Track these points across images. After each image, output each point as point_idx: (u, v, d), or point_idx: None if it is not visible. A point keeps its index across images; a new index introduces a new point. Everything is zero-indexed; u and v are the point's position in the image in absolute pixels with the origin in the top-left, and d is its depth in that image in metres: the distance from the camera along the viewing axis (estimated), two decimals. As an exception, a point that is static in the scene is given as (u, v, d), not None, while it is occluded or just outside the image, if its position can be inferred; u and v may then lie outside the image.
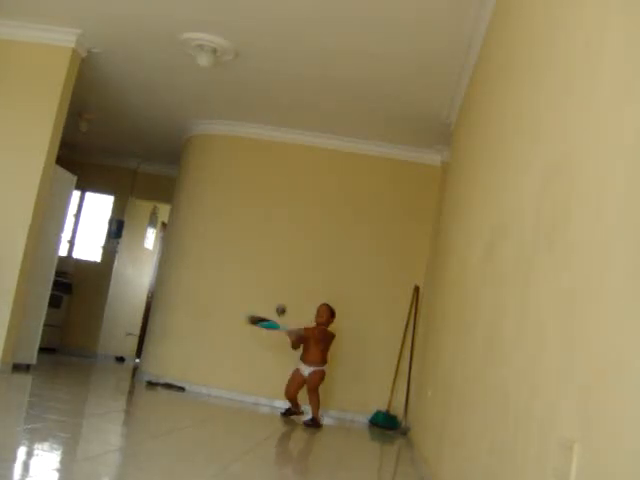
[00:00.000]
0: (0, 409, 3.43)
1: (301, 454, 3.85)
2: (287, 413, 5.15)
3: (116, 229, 8.26)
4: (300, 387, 5.12)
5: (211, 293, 6.21)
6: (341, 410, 5.84)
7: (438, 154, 6.13)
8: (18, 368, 4.97)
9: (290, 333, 5.09)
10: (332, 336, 5.22)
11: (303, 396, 5.12)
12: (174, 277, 6.40)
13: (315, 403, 5.01)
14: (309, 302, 5.48)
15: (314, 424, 4.85)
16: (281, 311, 5.54)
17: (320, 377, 5.11)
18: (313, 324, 5.21)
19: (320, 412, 5.09)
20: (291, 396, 5.11)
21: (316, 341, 5.10)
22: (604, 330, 1.05)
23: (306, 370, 5.11)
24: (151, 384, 5.98)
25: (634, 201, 0.99)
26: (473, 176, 3.28)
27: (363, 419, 5.77)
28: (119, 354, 8.59)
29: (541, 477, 1.27)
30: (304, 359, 5.16)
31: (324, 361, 5.16)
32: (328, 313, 5.21)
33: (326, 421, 5.53)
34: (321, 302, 5.33)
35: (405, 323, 5.95)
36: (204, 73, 5.20)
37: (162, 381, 6.01)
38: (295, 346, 5.14)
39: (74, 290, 8.03)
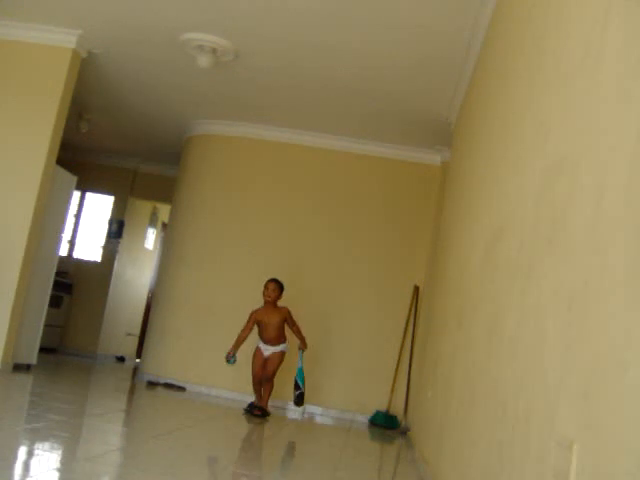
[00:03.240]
0: (0, 409, 3.43)
1: (301, 453, 3.85)
2: (251, 409, 4.81)
3: (116, 229, 8.26)
4: (263, 368, 4.92)
5: (211, 293, 6.21)
6: (341, 410, 5.84)
7: (438, 154, 6.13)
8: (18, 368, 4.97)
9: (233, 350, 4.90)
10: (286, 311, 4.96)
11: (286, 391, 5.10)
12: (174, 277, 6.40)
13: (269, 391, 4.89)
14: (308, 302, 5.49)
15: (263, 414, 4.74)
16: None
17: (280, 360, 4.94)
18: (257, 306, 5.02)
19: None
20: (258, 377, 4.90)
21: (270, 321, 4.92)
22: (604, 330, 1.05)
23: (266, 351, 4.94)
24: (151, 384, 5.98)
25: (634, 202, 0.99)
26: (473, 176, 3.28)
27: (363, 419, 5.77)
28: (119, 354, 8.59)
29: (540, 477, 1.27)
30: (262, 338, 4.96)
31: (282, 340, 4.97)
32: (278, 290, 5.00)
33: (326, 421, 5.53)
34: (271, 279, 5.06)
35: (405, 323, 5.95)
36: (204, 73, 5.20)
37: (162, 381, 6.01)
38: (239, 344, 4.91)
39: (74, 290, 8.03)
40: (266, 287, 5.01)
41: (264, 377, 4.92)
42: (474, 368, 2.29)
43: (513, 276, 1.84)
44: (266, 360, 4.93)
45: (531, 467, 1.35)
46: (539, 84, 1.91)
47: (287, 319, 4.97)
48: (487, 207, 2.58)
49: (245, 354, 5.43)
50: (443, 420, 2.99)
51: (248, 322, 4.97)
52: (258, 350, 4.99)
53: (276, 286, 5.01)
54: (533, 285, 1.58)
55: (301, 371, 4.98)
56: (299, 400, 4.94)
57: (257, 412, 4.72)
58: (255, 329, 5.01)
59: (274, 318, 4.94)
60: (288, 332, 5.03)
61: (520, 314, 1.67)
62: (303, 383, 4.96)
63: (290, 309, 5.02)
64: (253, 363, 4.97)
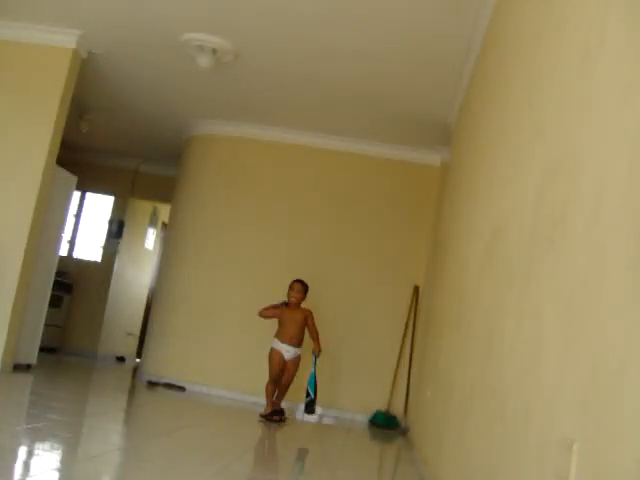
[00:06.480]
0: (1, 408, 3.44)
1: (301, 453, 3.85)
2: (272, 415, 4.68)
3: (116, 229, 8.26)
4: (282, 371, 4.75)
5: (211, 293, 6.21)
6: (341, 410, 5.84)
7: (438, 154, 6.13)
8: (19, 368, 4.97)
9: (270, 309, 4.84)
10: (309, 313, 4.86)
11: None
12: (174, 277, 6.41)
13: (284, 394, 4.82)
14: (307, 302, 5.46)
15: (282, 415, 4.73)
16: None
17: (297, 368, 4.82)
18: (282, 301, 4.91)
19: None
20: (278, 377, 4.75)
21: (293, 318, 4.81)
22: (603, 329, 1.05)
23: (287, 353, 4.75)
24: (151, 384, 5.98)
25: (633, 201, 0.99)
26: (473, 176, 3.28)
27: (363, 419, 5.77)
28: (119, 354, 8.60)
29: (541, 477, 1.27)
30: (282, 337, 4.77)
31: (301, 341, 4.84)
32: (303, 291, 4.90)
33: (326, 421, 5.54)
34: (298, 281, 4.96)
35: (405, 323, 5.95)
36: (204, 73, 5.20)
37: (162, 381, 6.01)
38: (267, 314, 4.84)
39: (75, 290, 8.03)
40: (291, 288, 4.90)
41: (282, 383, 4.81)
42: (473, 368, 2.29)
43: (512, 276, 1.84)
44: (285, 363, 4.77)
45: (531, 467, 1.35)
46: (538, 84, 1.91)
47: (308, 321, 4.85)
48: (486, 207, 2.58)
49: (247, 354, 5.43)
50: (443, 420, 2.99)
51: (276, 308, 4.84)
52: (276, 351, 4.77)
53: (302, 287, 4.91)
54: (532, 285, 1.58)
55: (313, 378, 4.77)
56: (309, 408, 4.74)
57: (276, 417, 4.65)
58: (269, 327, 4.95)
59: (298, 315, 4.83)
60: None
61: (519, 314, 1.67)
62: (314, 390, 4.75)
63: (313, 313, 4.91)
64: (272, 364, 4.75)
